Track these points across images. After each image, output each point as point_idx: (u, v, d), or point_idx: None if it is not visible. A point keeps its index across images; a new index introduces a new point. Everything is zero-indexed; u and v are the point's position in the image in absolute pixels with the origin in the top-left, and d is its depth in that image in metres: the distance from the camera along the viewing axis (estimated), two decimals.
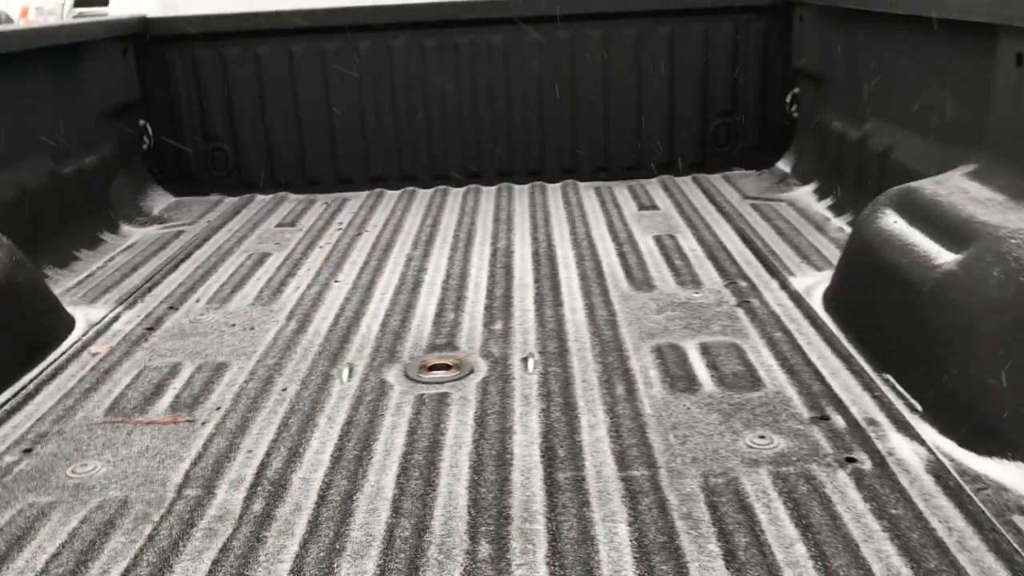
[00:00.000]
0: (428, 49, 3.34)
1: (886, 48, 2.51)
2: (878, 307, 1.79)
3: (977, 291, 1.49)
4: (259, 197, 3.41)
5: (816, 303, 2.09)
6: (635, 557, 1.25)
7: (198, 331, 2.15)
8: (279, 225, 3.04)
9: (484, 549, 1.28)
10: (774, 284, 2.24)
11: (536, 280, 2.36)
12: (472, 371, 1.86)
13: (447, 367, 1.88)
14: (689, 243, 2.60)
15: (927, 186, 1.83)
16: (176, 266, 2.65)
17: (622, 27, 3.27)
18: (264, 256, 2.70)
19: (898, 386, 1.67)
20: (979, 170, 1.81)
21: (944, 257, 1.59)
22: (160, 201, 3.39)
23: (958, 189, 1.77)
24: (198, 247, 2.82)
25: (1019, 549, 1.22)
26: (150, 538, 1.35)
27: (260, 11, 3.30)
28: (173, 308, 2.30)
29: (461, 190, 3.37)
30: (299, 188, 3.45)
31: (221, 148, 3.44)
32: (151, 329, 2.17)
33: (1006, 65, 1.75)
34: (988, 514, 1.30)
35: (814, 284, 2.20)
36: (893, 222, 1.81)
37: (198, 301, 2.35)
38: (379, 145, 3.43)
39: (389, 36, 3.32)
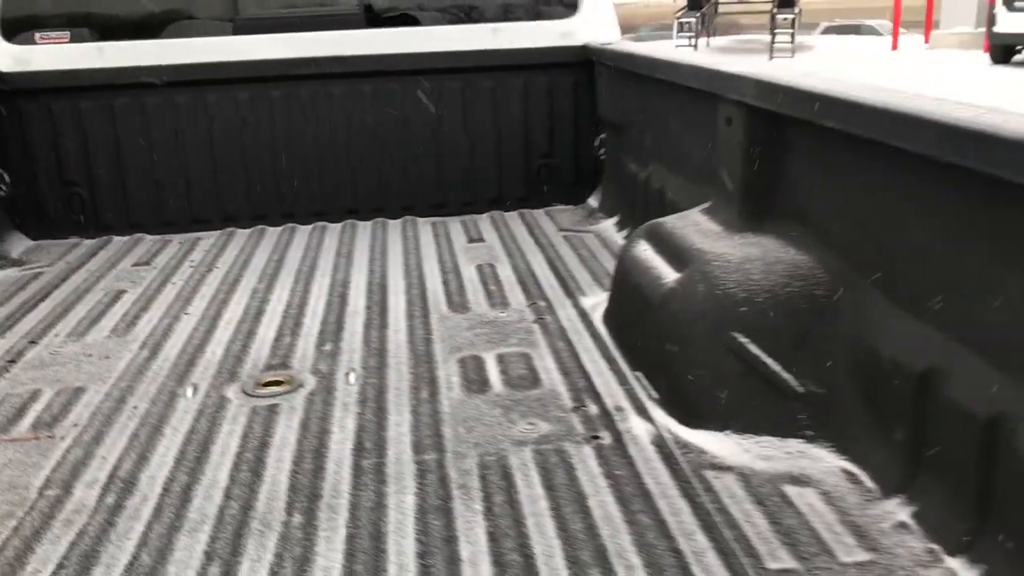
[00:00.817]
0: (275, 100, 3.64)
1: (659, 104, 2.98)
2: (632, 318, 2.21)
3: (688, 303, 1.92)
4: (116, 239, 3.62)
5: (597, 318, 2.51)
6: (416, 517, 1.60)
7: (57, 361, 2.39)
8: (135, 264, 3.28)
9: (297, 520, 1.61)
10: (568, 303, 2.65)
11: (367, 307, 2.70)
12: (302, 385, 2.18)
13: (280, 383, 2.19)
14: (505, 271, 2.99)
15: (670, 220, 2.27)
16: (35, 305, 2.86)
17: (450, 81, 3.65)
18: (120, 293, 2.94)
19: (644, 380, 2.08)
20: (711, 207, 2.26)
21: (670, 277, 2.02)
22: (18, 245, 3.56)
23: (692, 223, 2.21)
24: (56, 287, 3.04)
25: (701, 493, 1.63)
26: (15, 529, 1.62)
27: (112, 67, 3.54)
28: (33, 342, 2.53)
29: (308, 228, 3.67)
30: (155, 230, 3.68)
31: (78, 192, 3.64)
32: (12, 362, 2.39)
33: (722, 124, 2.21)
34: (687, 470, 1.71)
35: (598, 303, 2.62)
36: (643, 250, 2.23)
37: (57, 335, 2.58)
38: (230, 187, 3.70)
39: (236, 89, 3.61)
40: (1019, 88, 12.17)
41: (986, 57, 15.99)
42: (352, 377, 2.19)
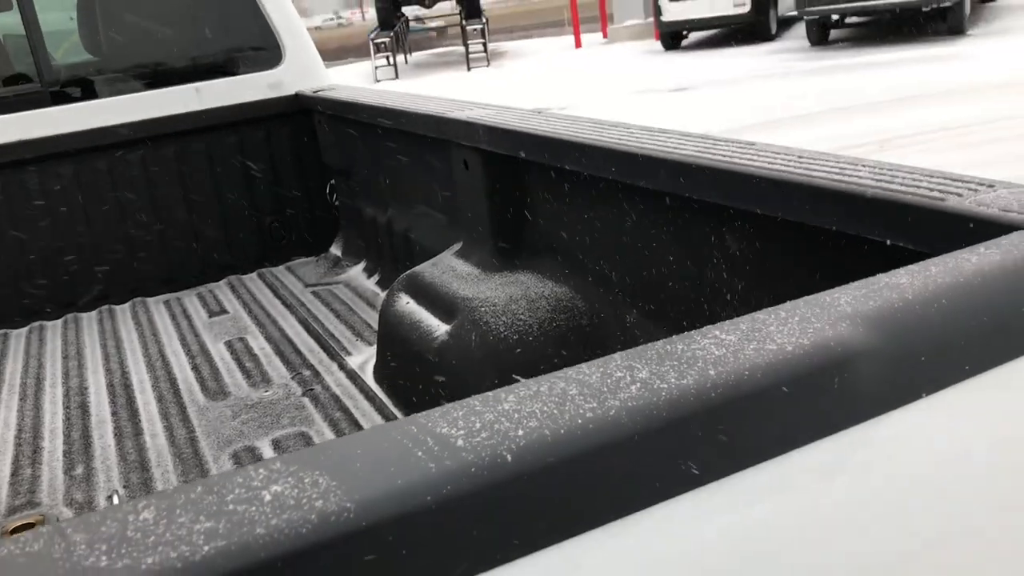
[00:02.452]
0: None
1: (390, 149, 2.95)
2: (407, 375, 2.17)
3: (464, 354, 1.90)
4: None
5: (368, 378, 2.44)
6: None
7: None
8: None
9: None
10: (334, 366, 2.55)
11: (113, 413, 2.46)
12: (59, 521, 1.93)
13: (31, 526, 1.94)
14: (259, 342, 2.84)
15: (426, 269, 2.25)
16: None
17: (162, 147, 3.42)
18: None
19: None
20: (462, 248, 2.26)
21: (441, 329, 1.99)
22: None
23: (448, 268, 2.20)
24: None
25: None
26: None
27: None
28: None
29: (22, 331, 3.30)
30: None
31: None
32: None
33: (460, 168, 2.22)
34: None
35: (366, 360, 2.55)
36: (406, 303, 2.19)
37: None
38: None
39: None
40: (682, 67, 13.41)
41: (658, 44, 17.42)
42: (115, 500, 1.98)
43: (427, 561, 0.56)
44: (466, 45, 18.68)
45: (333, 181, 3.58)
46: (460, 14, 19.78)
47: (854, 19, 15.93)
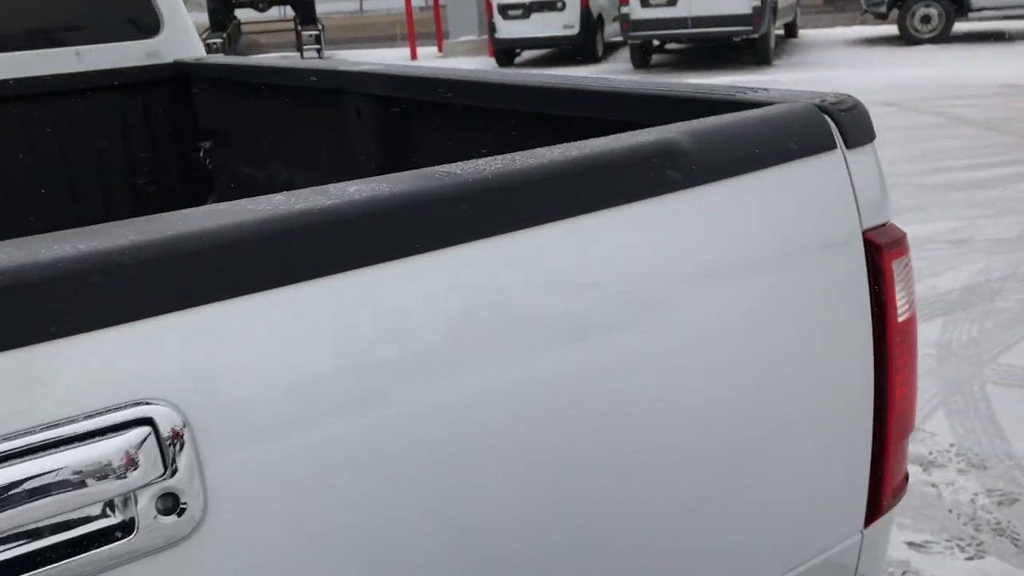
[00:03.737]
0: None
1: (273, 109, 3.22)
2: None
3: None
4: None
5: None
6: None
7: None
8: None
9: None
10: None
11: None
12: None
13: None
14: None
15: None
16: None
17: (40, 108, 3.53)
18: None
19: None
20: None
21: None
22: None
23: None
24: None
25: None
26: None
27: None
28: None
29: None
30: None
31: None
32: None
33: (351, 116, 2.55)
34: None
35: None
36: None
37: None
38: None
39: None
40: None
41: (492, 61, 18.06)
42: None
43: None
44: (301, 51, 18.71)
45: (207, 144, 3.79)
46: (295, 20, 19.78)
47: (673, 45, 17.15)
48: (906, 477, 1.38)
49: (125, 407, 0.73)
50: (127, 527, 0.74)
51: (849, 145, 1.18)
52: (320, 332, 0.83)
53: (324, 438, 0.83)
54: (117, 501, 0.73)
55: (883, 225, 1.22)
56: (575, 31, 16.90)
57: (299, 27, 19.25)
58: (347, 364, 0.85)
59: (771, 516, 1.21)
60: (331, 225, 0.84)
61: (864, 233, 1.19)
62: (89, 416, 0.71)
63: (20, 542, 0.69)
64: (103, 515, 0.73)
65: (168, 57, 3.64)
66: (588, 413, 0.98)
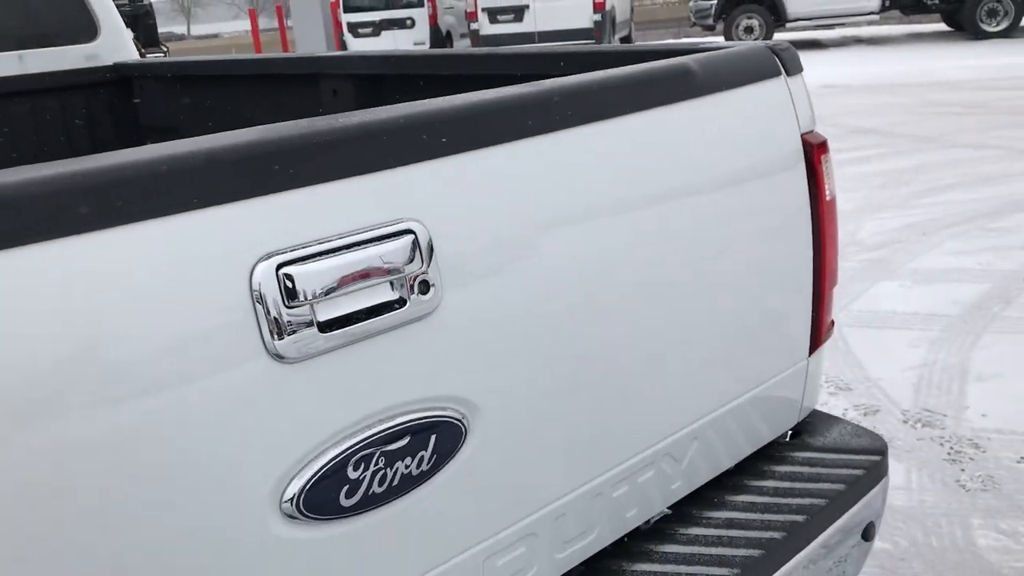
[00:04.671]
0: None
1: (214, 101, 3.50)
2: None
3: None
4: None
5: None
6: None
7: None
8: None
9: None
10: None
11: None
12: None
13: None
14: None
15: None
16: None
17: None
18: None
19: None
20: None
21: None
22: None
23: None
24: None
25: None
26: None
27: None
28: None
29: None
30: None
31: None
32: None
33: (328, 98, 2.90)
34: None
35: None
36: None
37: None
38: None
39: None
40: None
41: None
42: None
43: None
44: None
45: (150, 142, 3.99)
46: (136, 40, 19.38)
47: None
48: (832, 323, 1.88)
49: (401, 222, 1.12)
50: (401, 302, 1.13)
51: (789, 74, 1.68)
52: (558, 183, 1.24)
53: (520, 270, 1.24)
54: (395, 283, 1.12)
55: (812, 131, 1.72)
56: (425, 47, 17.39)
57: (143, 51, 18.88)
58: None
59: (750, 344, 1.68)
60: None
61: (802, 136, 1.69)
62: (385, 226, 1.10)
63: (347, 308, 1.08)
64: (390, 292, 1.12)
65: (107, 60, 3.84)
66: (619, 276, 1.41)
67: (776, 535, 1.54)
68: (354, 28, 17.49)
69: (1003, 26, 16.54)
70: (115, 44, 3.90)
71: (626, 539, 1.50)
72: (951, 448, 3.55)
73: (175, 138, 3.71)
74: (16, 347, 0.86)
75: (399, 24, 17.47)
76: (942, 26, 18.42)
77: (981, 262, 5.55)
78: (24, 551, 0.88)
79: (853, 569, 1.73)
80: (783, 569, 1.53)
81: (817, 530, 1.59)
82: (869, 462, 1.74)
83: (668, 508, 1.57)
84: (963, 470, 3.39)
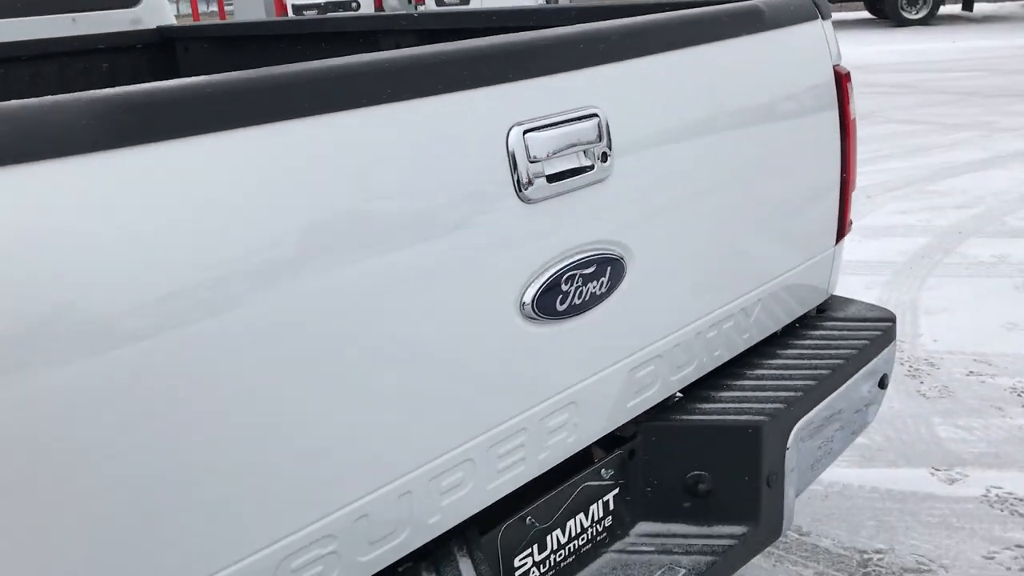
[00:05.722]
0: None
1: (251, 61, 3.82)
2: None
3: None
4: None
5: None
6: None
7: None
8: None
9: None
10: None
11: None
12: None
13: None
14: None
15: None
16: None
17: (40, 68, 3.93)
18: None
19: None
20: None
21: None
22: None
23: None
24: None
25: None
26: None
27: None
28: None
29: None
30: None
31: None
32: None
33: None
34: None
35: None
36: None
37: None
38: None
39: None
40: None
41: None
42: None
43: None
44: None
45: None
46: None
47: None
48: (851, 221, 2.36)
49: (591, 108, 1.55)
50: (589, 168, 1.55)
51: (823, 17, 2.14)
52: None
53: (671, 152, 1.67)
54: (586, 152, 1.54)
55: (839, 64, 2.18)
56: None
57: None
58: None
59: (798, 230, 2.14)
60: None
61: (833, 66, 2.15)
62: (582, 110, 1.52)
63: (559, 167, 1.49)
64: (583, 159, 1.54)
65: (149, 24, 4.13)
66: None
67: (824, 371, 2.00)
68: (299, 10, 17.59)
69: (922, 14, 17.54)
70: (156, 8, 4.19)
71: (712, 375, 1.95)
72: (910, 367, 4.09)
73: None
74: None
75: (344, 7, 17.63)
76: (865, 14, 19.37)
77: (921, 219, 6.16)
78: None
79: (874, 410, 2.20)
80: (830, 397, 1.99)
81: (853, 369, 2.06)
82: (883, 327, 2.22)
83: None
84: (922, 383, 3.94)
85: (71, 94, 1.06)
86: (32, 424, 0.97)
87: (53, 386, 0.98)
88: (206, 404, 1.10)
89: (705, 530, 1.83)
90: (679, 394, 1.90)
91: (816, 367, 2.04)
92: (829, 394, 2.01)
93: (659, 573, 1.74)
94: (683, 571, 1.74)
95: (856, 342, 2.15)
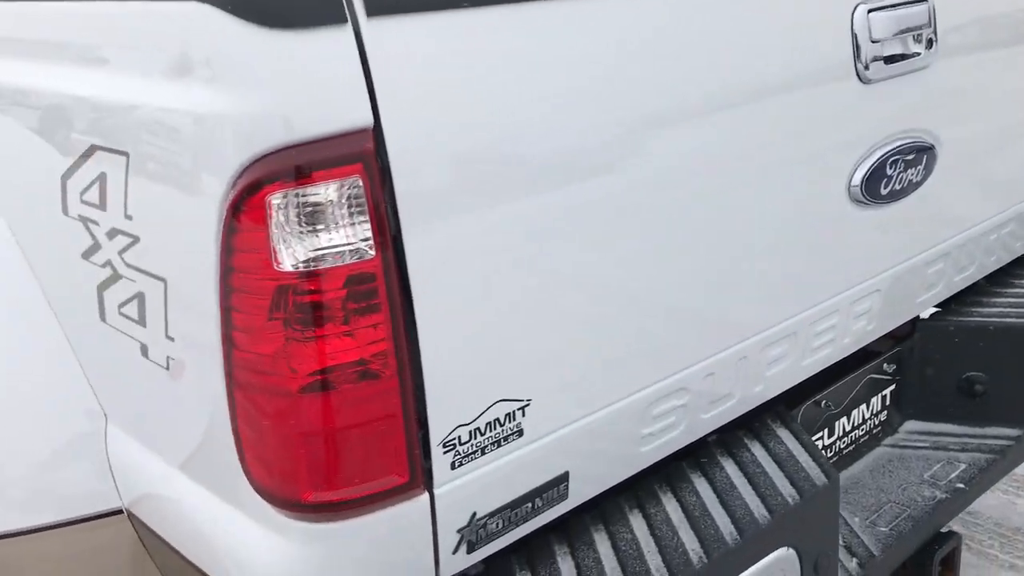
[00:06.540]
0: None
1: None
2: None
3: None
4: None
5: None
6: None
7: None
8: None
9: None
10: None
11: None
12: None
13: None
14: None
15: None
16: None
17: None
18: None
19: None
20: None
21: None
22: None
23: None
24: None
25: None
26: None
27: None
28: None
29: None
30: None
31: None
32: None
33: None
34: None
35: None
36: None
37: None
38: None
39: None
40: None
41: None
42: None
43: None
44: None
45: None
46: None
47: None
48: None
49: None
50: (917, 53, 1.54)
51: None
52: None
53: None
54: (915, 37, 1.54)
55: None
56: None
57: None
58: None
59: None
60: None
61: None
62: None
63: (895, 50, 1.50)
64: (913, 44, 1.53)
65: None
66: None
67: None
68: None
69: None
70: None
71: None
72: None
73: None
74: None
75: None
76: None
77: None
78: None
79: None
80: None
81: None
82: None
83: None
84: None
85: None
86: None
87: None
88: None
89: (978, 431, 1.84)
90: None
91: None
92: None
93: (938, 466, 1.77)
94: (963, 466, 1.76)
95: None
